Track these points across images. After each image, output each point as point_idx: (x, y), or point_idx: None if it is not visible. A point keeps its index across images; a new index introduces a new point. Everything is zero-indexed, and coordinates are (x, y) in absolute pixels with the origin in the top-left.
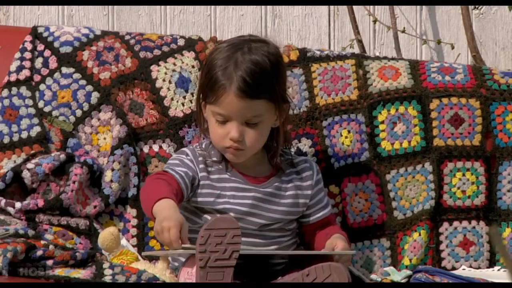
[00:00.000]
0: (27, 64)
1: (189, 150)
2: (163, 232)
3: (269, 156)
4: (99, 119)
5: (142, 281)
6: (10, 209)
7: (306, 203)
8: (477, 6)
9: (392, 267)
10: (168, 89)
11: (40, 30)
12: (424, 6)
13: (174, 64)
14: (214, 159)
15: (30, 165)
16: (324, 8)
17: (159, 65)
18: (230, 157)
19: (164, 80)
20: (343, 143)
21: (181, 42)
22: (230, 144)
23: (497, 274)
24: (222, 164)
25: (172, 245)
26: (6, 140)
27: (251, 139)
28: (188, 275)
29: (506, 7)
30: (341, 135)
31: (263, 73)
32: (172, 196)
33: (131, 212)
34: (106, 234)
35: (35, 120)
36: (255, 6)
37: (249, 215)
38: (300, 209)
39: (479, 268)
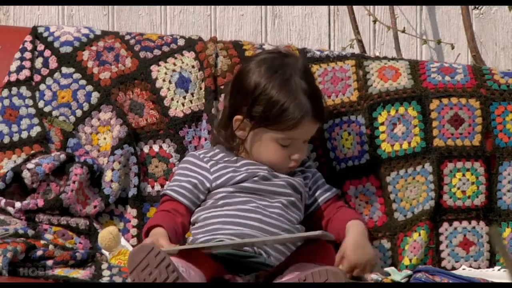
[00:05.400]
0: (27, 64)
1: (191, 157)
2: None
3: None
4: (99, 119)
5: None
6: (10, 209)
7: (307, 183)
8: (477, 6)
9: (392, 267)
10: (168, 89)
11: (40, 30)
12: (424, 6)
13: (174, 64)
14: (221, 157)
15: (30, 165)
16: (324, 8)
17: (159, 65)
18: (284, 171)
19: (164, 80)
20: (343, 146)
21: (181, 42)
22: (293, 164)
23: (497, 274)
24: (231, 158)
25: None
26: (6, 140)
27: (305, 154)
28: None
29: (506, 7)
30: (342, 138)
31: (317, 90)
32: (164, 224)
33: (131, 212)
34: (105, 234)
35: (35, 120)
36: (255, 6)
37: (266, 180)
38: (302, 188)
39: (479, 268)
